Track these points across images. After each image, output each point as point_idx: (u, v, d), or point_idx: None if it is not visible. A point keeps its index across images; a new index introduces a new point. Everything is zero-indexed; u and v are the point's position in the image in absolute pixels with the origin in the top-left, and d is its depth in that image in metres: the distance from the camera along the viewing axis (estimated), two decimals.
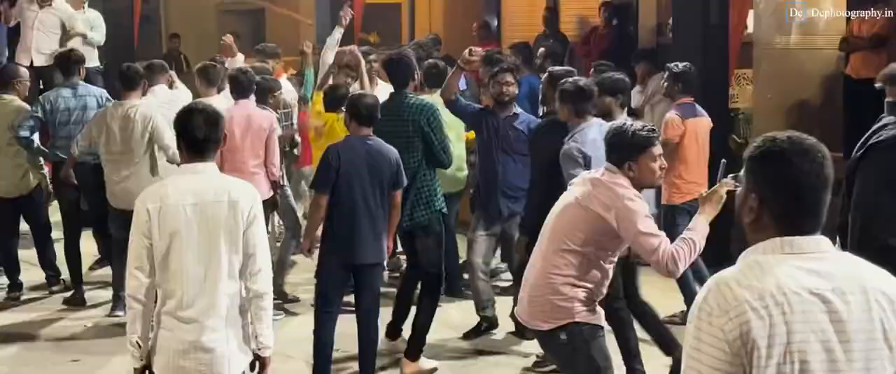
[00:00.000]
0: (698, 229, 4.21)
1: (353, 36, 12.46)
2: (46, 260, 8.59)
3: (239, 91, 7.73)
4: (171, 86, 9.02)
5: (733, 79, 9.72)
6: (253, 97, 7.83)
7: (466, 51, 7.14)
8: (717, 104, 9.05)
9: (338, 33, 8.92)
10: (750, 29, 9.72)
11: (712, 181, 4.59)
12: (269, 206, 7.52)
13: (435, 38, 10.92)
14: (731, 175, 4.32)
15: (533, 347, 6.31)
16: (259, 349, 4.12)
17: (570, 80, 6.04)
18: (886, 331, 2.15)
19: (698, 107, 7.62)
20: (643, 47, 10.49)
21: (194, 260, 3.95)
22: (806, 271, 2.15)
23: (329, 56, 8.65)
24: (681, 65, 7.68)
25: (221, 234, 3.97)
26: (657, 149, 4.27)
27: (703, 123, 7.56)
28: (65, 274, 8.46)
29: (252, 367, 4.15)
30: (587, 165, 5.47)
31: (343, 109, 6.77)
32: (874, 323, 2.15)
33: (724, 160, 4.55)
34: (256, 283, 4.03)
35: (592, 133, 5.71)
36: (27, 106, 8.21)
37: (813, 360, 2.09)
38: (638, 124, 4.37)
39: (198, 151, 4.05)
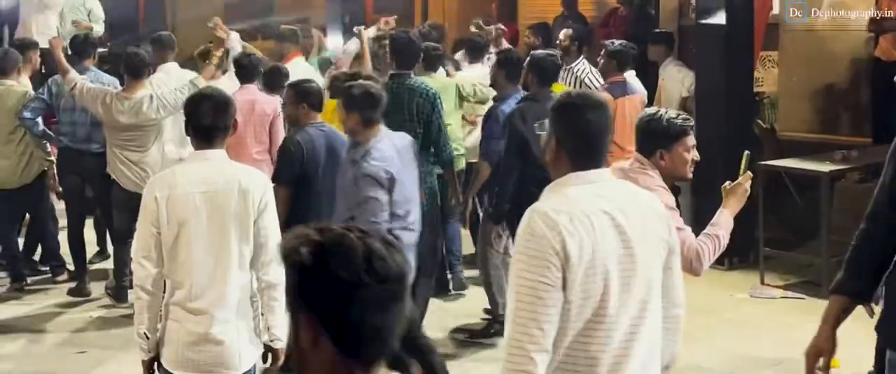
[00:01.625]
0: (722, 224, 4.15)
1: (365, 18, 12.45)
2: (50, 251, 8.65)
3: (243, 75, 7.74)
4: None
5: (758, 61, 9.70)
6: (257, 82, 7.85)
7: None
8: (741, 88, 9.05)
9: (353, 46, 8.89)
10: (775, 10, 9.68)
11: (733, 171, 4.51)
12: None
13: (435, 25, 10.90)
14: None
15: None
16: (271, 341, 4.14)
17: (358, 83, 5.57)
18: (655, 238, 2.86)
19: (630, 84, 8.08)
20: (660, 31, 10.44)
21: (204, 250, 3.97)
22: (598, 196, 2.80)
23: (351, 48, 8.71)
24: (617, 43, 7.96)
25: (231, 223, 3.99)
26: (691, 139, 4.19)
27: (633, 100, 7.96)
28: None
29: (264, 359, 4.18)
30: (392, 187, 5.21)
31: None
32: (646, 230, 2.83)
33: (747, 151, 4.50)
34: (268, 273, 4.05)
35: (387, 148, 5.31)
36: (32, 91, 8.28)
37: (610, 264, 2.70)
38: (672, 113, 4.28)
39: (206, 138, 4.07)
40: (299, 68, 9.03)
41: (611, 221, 2.75)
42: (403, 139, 5.61)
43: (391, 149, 5.29)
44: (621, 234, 2.75)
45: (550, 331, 2.65)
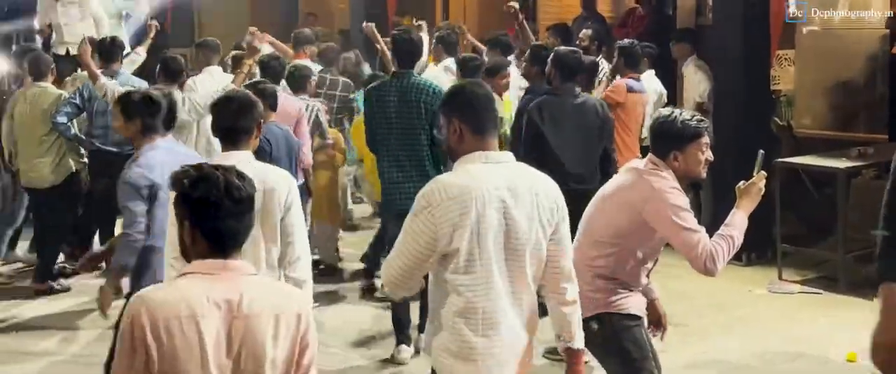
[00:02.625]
0: (736, 224, 4.12)
1: (387, 19, 12.47)
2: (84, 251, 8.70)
3: (270, 77, 7.79)
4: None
5: (775, 60, 9.66)
6: (284, 84, 7.92)
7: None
8: (758, 86, 9.03)
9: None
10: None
11: (740, 169, 4.49)
12: (303, 193, 7.59)
13: (452, 27, 10.84)
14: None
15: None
16: None
17: (140, 91, 5.36)
18: (541, 215, 3.34)
19: (641, 83, 8.18)
20: (684, 28, 10.40)
21: None
22: (498, 175, 3.29)
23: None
24: (627, 41, 8.06)
25: (258, 222, 3.98)
26: (705, 139, 4.19)
27: (642, 98, 8.13)
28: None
29: None
30: (153, 197, 4.85)
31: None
32: (533, 210, 3.32)
33: (761, 151, 4.47)
34: (296, 270, 4.08)
35: (160, 157, 4.93)
36: (65, 93, 8.36)
37: (490, 233, 3.22)
38: (686, 114, 4.26)
39: (231, 140, 4.12)
40: None
41: (501, 197, 3.26)
42: (188, 156, 5.08)
43: (165, 157, 4.86)
44: (508, 210, 3.26)
45: (418, 277, 3.34)
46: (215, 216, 2.63)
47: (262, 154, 5.86)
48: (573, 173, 6.47)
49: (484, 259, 3.23)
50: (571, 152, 6.67)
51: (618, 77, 8.27)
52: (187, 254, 2.71)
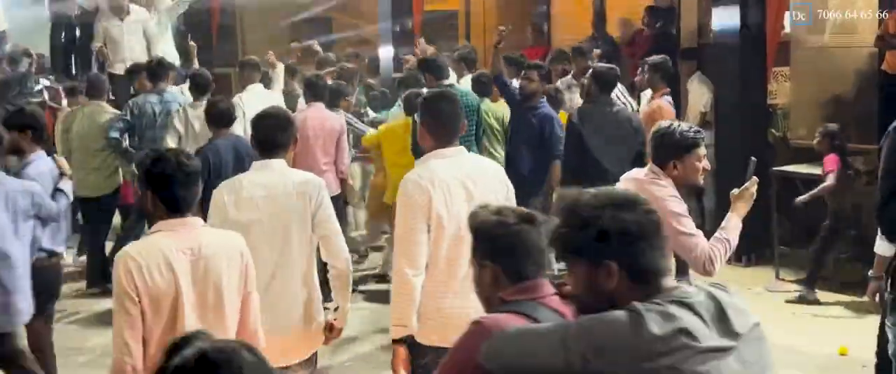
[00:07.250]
0: (732, 228, 4.06)
1: (413, 42, 12.46)
2: None
3: (314, 94, 7.84)
4: None
5: (772, 76, 9.58)
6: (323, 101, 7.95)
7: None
8: (755, 100, 9.02)
9: None
10: (787, 29, 9.54)
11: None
12: (341, 200, 7.64)
13: (469, 47, 10.74)
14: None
15: None
16: (334, 320, 4.24)
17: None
18: (497, 191, 3.86)
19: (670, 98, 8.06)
20: (689, 47, 10.28)
21: (268, 246, 4.02)
22: (451, 166, 3.81)
23: None
24: (658, 57, 7.87)
25: (292, 221, 4.06)
26: (702, 150, 4.12)
27: (672, 112, 7.89)
28: None
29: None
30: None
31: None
32: (487, 190, 3.80)
33: (752, 158, 4.39)
34: (338, 262, 4.13)
35: (42, 165, 5.53)
36: (119, 112, 8.39)
37: (461, 214, 3.52)
38: (684, 125, 4.20)
39: (267, 150, 4.12)
40: None
41: (461, 185, 3.76)
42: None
43: (46, 166, 5.40)
44: (469, 193, 3.74)
45: (422, 259, 3.72)
46: (170, 185, 3.20)
47: (205, 167, 5.67)
48: (611, 172, 6.43)
49: (456, 236, 3.69)
50: (609, 154, 6.98)
51: (650, 91, 8.19)
52: (151, 218, 3.35)
